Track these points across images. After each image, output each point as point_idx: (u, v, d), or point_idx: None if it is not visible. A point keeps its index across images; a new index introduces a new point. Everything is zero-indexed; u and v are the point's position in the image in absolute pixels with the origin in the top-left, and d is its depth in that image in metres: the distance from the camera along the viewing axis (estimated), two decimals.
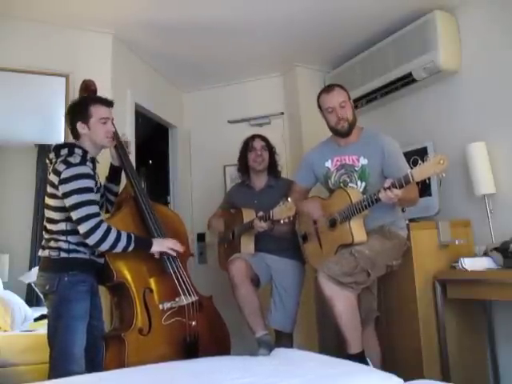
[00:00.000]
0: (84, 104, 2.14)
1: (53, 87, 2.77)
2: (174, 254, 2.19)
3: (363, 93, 3.27)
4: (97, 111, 2.12)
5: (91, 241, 1.96)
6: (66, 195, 1.96)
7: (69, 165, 1.99)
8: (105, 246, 1.99)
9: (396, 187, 1.97)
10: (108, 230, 1.98)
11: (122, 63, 3.13)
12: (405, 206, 2.33)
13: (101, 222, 1.98)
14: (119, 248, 2.02)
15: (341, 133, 2.37)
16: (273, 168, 2.90)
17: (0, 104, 2.90)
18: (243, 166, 2.94)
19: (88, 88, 2.39)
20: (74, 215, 1.95)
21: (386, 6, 2.83)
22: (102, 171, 2.37)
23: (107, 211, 2.39)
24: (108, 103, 2.18)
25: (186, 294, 2.20)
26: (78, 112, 2.12)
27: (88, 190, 1.98)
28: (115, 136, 2.38)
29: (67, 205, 1.96)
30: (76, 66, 2.79)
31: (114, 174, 2.39)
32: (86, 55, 2.87)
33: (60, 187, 1.97)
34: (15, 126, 3.20)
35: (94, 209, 1.99)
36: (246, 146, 2.91)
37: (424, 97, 3.06)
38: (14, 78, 2.72)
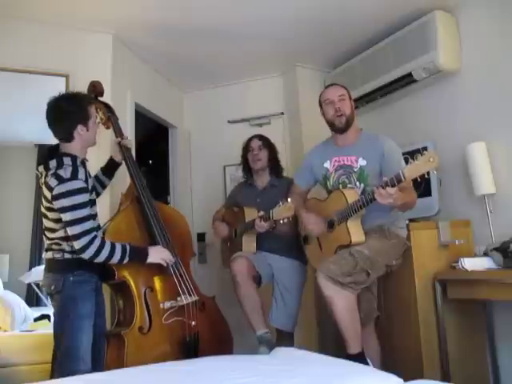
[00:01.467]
0: (83, 105, 2.08)
1: (53, 87, 2.76)
2: (171, 262, 2.20)
3: (363, 93, 3.26)
4: (93, 112, 2.12)
5: (86, 256, 1.96)
6: (60, 211, 1.95)
7: (60, 180, 1.94)
8: (99, 260, 2.00)
9: (388, 186, 1.96)
10: (101, 246, 1.98)
11: (122, 63, 3.13)
12: (401, 210, 2.31)
13: (94, 238, 1.96)
14: (114, 261, 2.03)
15: (338, 128, 2.36)
16: (274, 166, 2.91)
17: (0, 104, 2.90)
18: (245, 166, 2.98)
19: (96, 89, 2.40)
20: (69, 231, 1.96)
21: (386, 6, 2.83)
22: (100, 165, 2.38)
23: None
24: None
25: (186, 293, 2.21)
26: (78, 113, 2.05)
27: (82, 205, 1.95)
28: (119, 134, 2.39)
29: (63, 219, 1.96)
30: (76, 66, 2.79)
31: (110, 168, 2.38)
32: (85, 55, 2.87)
33: (54, 203, 1.96)
34: (15, 126, 3.20)
35: (89, 225, 1.97)
36: (246, 147, 2.94)
37: (424, 97, 3.06)
38: (14, 78, 2.72)
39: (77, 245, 1.95)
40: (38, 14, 2.71)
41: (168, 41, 3.17)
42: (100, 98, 2.47)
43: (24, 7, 2.64)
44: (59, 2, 2.62)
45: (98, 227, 2.11)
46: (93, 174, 2.25)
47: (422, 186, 2.68)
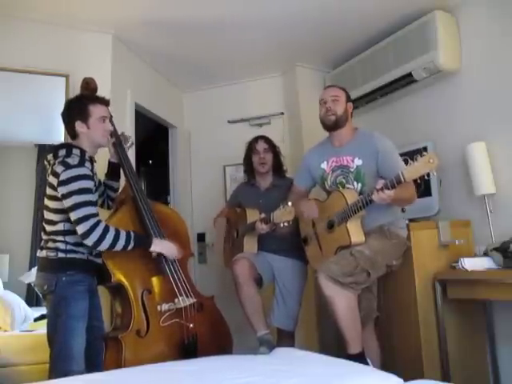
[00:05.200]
0: (83, 103, 2.13)
1: (53, 87, 2.76)
2: (173, 257, 2.20)
3: (363, 93, 3.26)
4: (96, 110, 2.12)
5: (90, 241, 1.96)
6: (64, 196, 1.96)
7: (67, 166, 1.98)
8: (104, 246, 1.99)
9: (388, 188, 1.97)
10: (106, 230, 1.98)
11: (122, 63, 3.13)
12: (401, 206, 2.32)
13: (99, 221, 1.98)
14: (118, 247, 2.02)
15: (327, 125, 2.38)
16: (277, 168, 2.91)
17: (0, 104, 2.90)
18: (248, 167, 2.96)
19: (89, 86, 2.39)
20: (73, 216, 1.95)
21: (386, 6, 2.83)
22: (101, 168, 2.37)
23: (109, 208, 2.39)
24: (105, 102, 2.19)
25: (183, 295, 2.19)
26: (76, 111, 2.11)
27: (87, 190, 1.98)
28: (114, 134, 2.37)
29: (66, 206, 1.96)
30: (76, 66, 2.79)
31: (112, 171, 2.39)
32: (86, 55, 2.87)
33: (59, 189, 1.97)
34: (15, 125, 3.20)
35: (93, 209, 1.99)
36: (250, 148, 2.92)
37: (424, 97, 3.06)
38: (14, 77, 2.71)
39: (80, 229, 1.95)
40: (37, 14, 2.71)
41: (168, 41, 3.17)
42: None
43: (24, 7, 2.64)
44: (59, 1, 2.63)
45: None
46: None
47: (422, 188, 2.69)
